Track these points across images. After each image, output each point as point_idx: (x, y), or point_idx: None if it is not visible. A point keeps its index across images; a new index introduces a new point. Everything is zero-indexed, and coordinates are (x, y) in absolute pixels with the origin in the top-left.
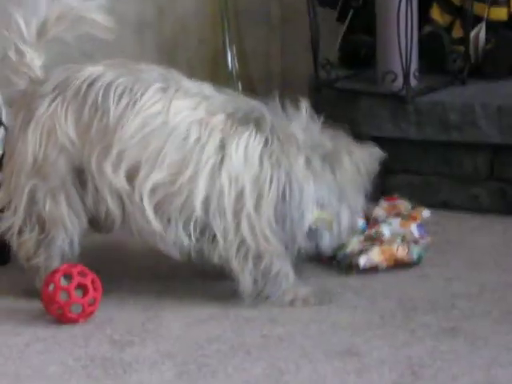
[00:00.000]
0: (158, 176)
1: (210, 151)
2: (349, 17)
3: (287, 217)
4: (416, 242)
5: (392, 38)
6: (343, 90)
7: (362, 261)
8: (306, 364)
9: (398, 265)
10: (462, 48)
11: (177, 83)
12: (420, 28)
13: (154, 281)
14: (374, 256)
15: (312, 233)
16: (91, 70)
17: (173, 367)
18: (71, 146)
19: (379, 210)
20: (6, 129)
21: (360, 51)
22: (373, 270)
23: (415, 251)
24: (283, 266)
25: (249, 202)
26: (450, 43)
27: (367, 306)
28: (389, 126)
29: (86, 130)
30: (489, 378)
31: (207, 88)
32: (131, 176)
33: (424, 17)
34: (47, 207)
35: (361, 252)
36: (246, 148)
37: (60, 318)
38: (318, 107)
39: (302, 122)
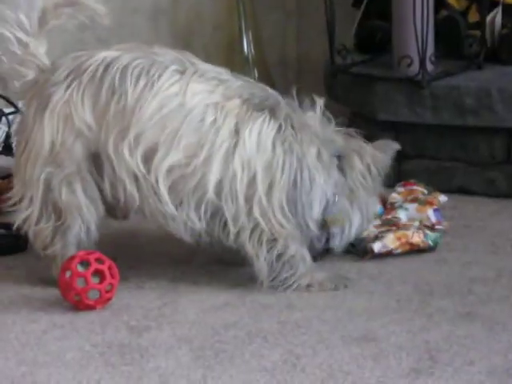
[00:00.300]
0: (173, 158)
1: (224, 135)
2: (364, 2)
3: (298, 203)
4: (433, 227)
5: (408, 23)
6: (359, 75)
7: (377, 247)
8: (322, 350)
9: (414, 250)
10: (478, 32)
11: (193, 66)
12: (436, 12)
13: (171, 266)
14: (389, 242)
15: (324, 231)
16: (105, 54)
17: (189, 352)
18: (88, 130)
19: (395, 195)
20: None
21: (376, 36)
22: (388, 254)
23: (431, 237)
24: (299, 250)
25: (261, 187)
26: (465, 27)
27: (384, 291)
28: (405, 111)
29: (103, 114)
30: (506, 363)
31: (224, 72)
32: (148, 158)
33: (440, 1)
34: (63, 195)
35: (376, 237)
36: (259, 133)
37: (77, 304)
38: (333, 92)
39: (317, 116)
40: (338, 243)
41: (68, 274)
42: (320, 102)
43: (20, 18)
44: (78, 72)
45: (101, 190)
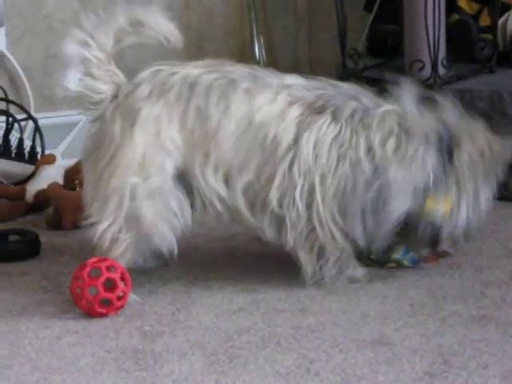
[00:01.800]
0: (245, 178)
1: (283, 148)
2: (376, 6)
3: (351, 208)
4: None
5: (420, 27)
6: (371, 79)
7: (446, 245)
8: (336, 354)
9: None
10: (489, 36)
11: (259, 79)
12: (447, 16)
13: (184, 272)
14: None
15: (427, 224)
16: (186, 72)
17: (203, 357)
18: (176, 149)
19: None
20: (34, 121)
21: (387, 40)
22: (440, 256)
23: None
24: (344, 257)
25: (318, 196)
26: (477, 31)
27: (397, 295)
28: None
29: (190, 136)
30: None
31: (291, 78)
32: (227, 180)
33: (451, 5)
34: (147, 208)
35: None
36: (316, 140)
37: (89, 312)
38: None
39: (409, 103)
40: (447, 231)
41: (79, 282)
42: (413, 88)
43: (98, 38)
44: (163, 89)
45: (191, 205)
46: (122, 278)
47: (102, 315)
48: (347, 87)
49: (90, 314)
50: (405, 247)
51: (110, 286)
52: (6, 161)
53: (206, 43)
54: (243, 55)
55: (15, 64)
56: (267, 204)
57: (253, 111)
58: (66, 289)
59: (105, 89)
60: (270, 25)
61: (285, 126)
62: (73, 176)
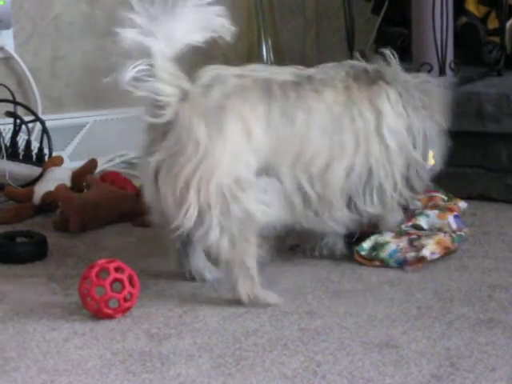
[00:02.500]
0: (343, 165)
1: (365, 124)
2: (384, 8)
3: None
4: (454, 233)
5: (427, 30)
6: None
7: (428, 253)
8: (343, 357)
9: (447, 254)
10: (497, 39)
11: (310, 77)
12: (455, 19)
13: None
14: (433, 247)
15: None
16: (255, 75)
17: (210, 360)
18: (262, 149)
19: (416, 202)
20: (42, 123)
21: (395, 43)
22: (421, 262)
23: (456, 240)
24: None
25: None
26: (485, 34)
27: (404, 298)
28: None
29: (276, 136)
30: None
31: (315, 69)
32: (321, 176)
33: (459, 8)
34: (249, 203)
35: (413, 246)
36: (391, 105)
37: (96, 313)
38: None
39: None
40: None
41: (87, 282)
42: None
43: (165, 30)
44: (241, 90)
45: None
46: (130, 280)
47: (109, 316)
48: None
49: (97, 315)
50: (394, 247)
51: (118, 286)
52: (13, 163)
53: (214, 44)
54: (251, 57)
55: (23, 66)
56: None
57: (329, 106)
58: (74, 291)
59: (170, 91)
60: (277, 26)
61: (355, 107)
62: (80, 178)
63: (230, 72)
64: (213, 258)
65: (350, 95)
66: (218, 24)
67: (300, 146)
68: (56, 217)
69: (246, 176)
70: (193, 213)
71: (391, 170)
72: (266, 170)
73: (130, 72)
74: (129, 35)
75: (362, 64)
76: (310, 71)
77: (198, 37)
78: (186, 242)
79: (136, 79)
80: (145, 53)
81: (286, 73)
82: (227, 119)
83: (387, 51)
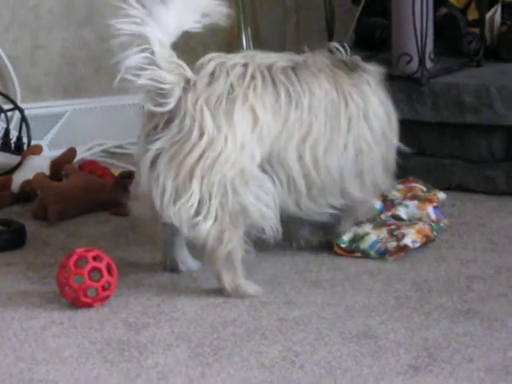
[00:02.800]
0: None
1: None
2: None
3: None
4: (432, 222)
5: (407, 20)
6: None
7: (409, 242)
8: (321, 347)
9: (427, 242)
10: (477, 30)
11: (306, 63)
12: (435, 10)
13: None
14: (414, 236)
15: None
16: (257, 62)
17: (188, 349)
18: (268, 136)
19: (395, 193)
20: (21, 111)
21: (375, 33)
22: (402, 251)
23: (435, 228)
24: None
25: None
26: (465, 25)
27: (382, 288)
28: (404, 108)
29: (285, 121)
30: (505, 360)
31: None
32: (323, 158)
33: None
34: (249, 199)
35: (393, 236)
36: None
37: (74, 301)
38: None
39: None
40: None
41: (66, 271)
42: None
43: (160, 18)
44: (244, 79)
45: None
46: (108, 268)
47: (87, 305)
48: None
49: (76, 303)
50: (374, 238)
51: (96, 275)
52: None
53: (194, 34)
54: (230, 46)
55: (2, 54)
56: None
57: (328, 90)
58: (52, 279)
59: (172, 79)
60: (257, 16)
61: (350, 94)
62: (59, 167)
63: (233, 60)
64: (197, 247)
65: (340, 81)
66: (214, 9)
67: (306, 131)
68: (35, 205)
69: (250, 168)
70: (194, 202)
71: (376, 154)
72: (267, 164)
73: (130, 60)
74: (125, 26)
75: (336, 54)
76: (302, 57)
77: (194, 24)
78: (174, 231)
79: (136, 68)
80: (142, 43)
81: (283, 58)
82: (235, 108)
83: (341, 45)
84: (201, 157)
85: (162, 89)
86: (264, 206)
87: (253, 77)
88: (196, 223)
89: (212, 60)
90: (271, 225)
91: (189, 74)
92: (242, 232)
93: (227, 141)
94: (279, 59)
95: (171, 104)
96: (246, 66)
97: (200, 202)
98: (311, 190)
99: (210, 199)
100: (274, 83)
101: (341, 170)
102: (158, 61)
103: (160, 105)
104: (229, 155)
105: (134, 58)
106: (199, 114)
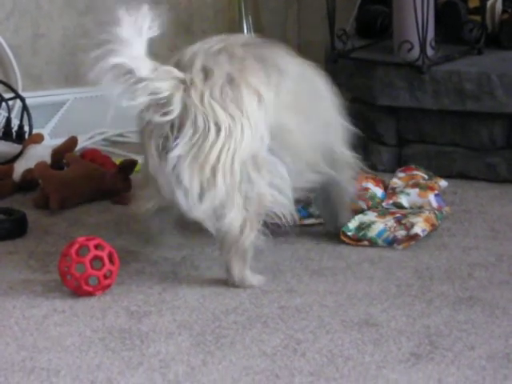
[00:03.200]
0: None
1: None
2: None
3: None
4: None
5: (408, 8)
6: (359, 60)
7: (419, 230)
8: (323, 335)
9: (432, 231)
10: (478, 17)
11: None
12: None
13: (171, 252)
14: (423, 225)
15: None
16: (254, 50)
17: (190, 338)
18: (272, 112)
19: (396, 180)
20: (22, 100)
21: (376, 21)
22: (412, 239)
23: (439, 217)
24: None
25: None
26: (466, 13)
27: (384, 276)
28: (405, 96)
29: (285, 101)
30: (507, 348)
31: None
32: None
33: None
34: (263, 185)
35: (401, 224)
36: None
37: (76, 290)
38: (334, 77)
39: None
40: None
41: (67, 259)
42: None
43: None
44: (242, 67)
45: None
46: (110, 257)
47: (89, 294)
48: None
49: (77, 292)
50: (382, 226)
51: (98, 264)
52: None
53: (195, 22)
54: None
55: (3, 43)
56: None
57: (302, 68)
58: (53, 268)
59: (169, 85)
60: (258, 5)
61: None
62: (60, 155)
63: (213, 48)
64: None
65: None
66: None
67: (294, 102)
68: (36, 194)
69: (262, 153)
70: (222, 196)
71: (338, 127)
72: (274, 145)
73: (118, 89)
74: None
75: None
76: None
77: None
78: (181, 221)
79: (130, 92)
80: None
81: (250, 39)
82: (243, 93)
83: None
84: (221, 151)
85: (162, 98)
86: (277, 191)
87: (242, 58)
88: (220, 216)
89: (193, 54)
90: (287, 211)
91: (181, 75)
92: (259, 224)
93: (244, 128)
94: (247, 39)
95: (176, 110)
96: (227, 50)
97: (227, 195)
98: (298, 164)
99: (234, 190)
100: (266, 66)
101: (316, 143)
102: (145, 74)
103: (166, 114)
104: (246, 142)
105: (121, 86)
106: (210, 110)
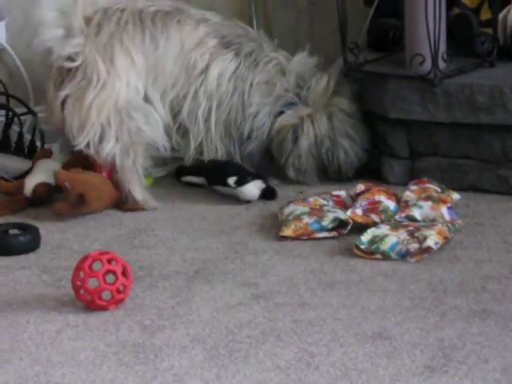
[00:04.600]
0: (173, 94)
1: (197, 72)
2: (377, 0)
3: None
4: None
5: (420, 21)
6: (371, 73)
7: (432, 243)
8: (337, 348)
9: (445, 243)
10: (490, 30)
11: (186, 12)
12: (448, 10)
13: (184, 266)
14: (436, 238)
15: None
16: (132, 7)
17: (203, 351)
18: (143, 74)
19: (409, 193)
20: (34, 115)
21: (388, 34)
22: (425, 252)
23: (452, 230)
24: None
25: (213, 117)
26: (478, 25)
27: (397, 289)
28: (417, 109)
29: (147, 61)
30: None
31: (210, 13)
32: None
33: None
34: (141, 121)
35: (414, 237)
36: (220, 70)
37: (89, 304)
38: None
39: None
40: None
41: (81, 274)
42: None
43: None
44: (120, 25)
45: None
46: (123, 271)
47: (103, 308)
48: (252, 31)
49: (91, 306)
50: (395, 240)
51: (111, 278)
52: (5, 155)
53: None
54: None
55: (15, 57)
56: (179, 116)
57: (183, 38)
58: (66, 283)
59: (74, 43)
60: (270, 18)
61: (202, 52)
62: (70, 169)
63: (114, 7)
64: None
65: (204, 38)
66: None
67: (163, 72)
68: (59, 202)
69: (136, 100)
70: (97, 130)
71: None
72: (147, 97)
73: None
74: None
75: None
76: (186, 6)
77: None
78: None
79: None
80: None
81: (163, 5)
82: (115, 53)
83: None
84: (97, 96)
85: (69, 52)
86: (152, 128)
87: (126, 22)
88: (102, 147)
89: (99, 10)
90: (162, 144)
91: (79, 24)
92: (143, 148)
93: (115, 81)
94: (156, 4)
95: (77, 62)
96: (122, 11)
97: (102, 130)
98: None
99: (110, 126)
100: (142, 27)
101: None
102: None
103: (69, 62)
104: (119, 92)
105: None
106: (94, 62)
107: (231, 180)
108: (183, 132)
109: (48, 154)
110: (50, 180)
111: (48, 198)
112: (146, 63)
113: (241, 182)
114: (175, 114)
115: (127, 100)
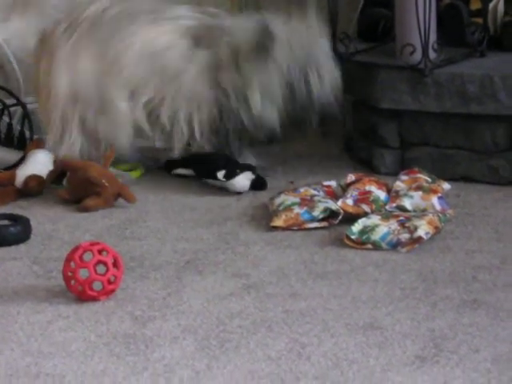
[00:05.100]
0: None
1: (174, 74)
2: None
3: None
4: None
5: (410, 11)
6: (362, 63)
7: (423, 233)
8: (328, 338)
9: (435, 233)
10: (480, 20)
11: (157, 12)
12: (438, 0)
13: (175, 257)
14: (427, 228)
15: None
16: (95, 8)
17: (194, 342)
18: (92, 73)
19: (400, 183)
20: (24, 106)
21: (378, 24)
22: (416, 243)
23: (442, 219)
24: None
25: (196, 118)
26: (468, 15)
27: (388, 279)
28: (408, 99)
29: (102, 61)
30: (511, 350)
31: (182, 9)
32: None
33: None
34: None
35: (404, 227)
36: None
37: (80, 295)
38: None
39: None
40: None
41: (72, 264)
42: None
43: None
44: (76, 25)
45: None
46: (114, 262)
47: (93, 299)
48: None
49: (82, 297)
50: (385, 230)
51: (102, 269)
52: None
53: None
54: None
55: (5, 49)
56: (159, 119)
57: (152, 40)
58: (57, 273)
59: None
60: (260, 7)
61: (175, 55)
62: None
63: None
64: None
65: (175, 40)
66: None
67: (119, 70)
68: (63, 188)
69: (88, 89)
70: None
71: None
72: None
73: None
74: None
75: None
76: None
77: None
78: None
79: None
80: None
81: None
82: (59, 55)
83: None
84: (48, 94)
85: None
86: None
87: (82, 21)
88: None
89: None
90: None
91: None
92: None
93: (58, 81)
94: (120, 6)
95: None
96: (84, 11)
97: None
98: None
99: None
100: (100, 28)
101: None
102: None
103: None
104: (59, 84)
105: None
106: (40, 61)
107: (220, 174)
108: (168, 133)
109: (40, 146)
110: (42, 172)
111: (39, 191)
112: (98, 64)
113: (230, 176)
114: (155, 118)
115: (75, 91)
